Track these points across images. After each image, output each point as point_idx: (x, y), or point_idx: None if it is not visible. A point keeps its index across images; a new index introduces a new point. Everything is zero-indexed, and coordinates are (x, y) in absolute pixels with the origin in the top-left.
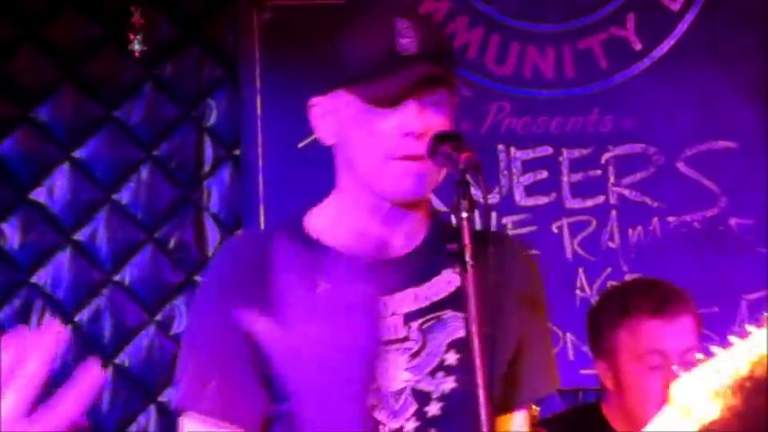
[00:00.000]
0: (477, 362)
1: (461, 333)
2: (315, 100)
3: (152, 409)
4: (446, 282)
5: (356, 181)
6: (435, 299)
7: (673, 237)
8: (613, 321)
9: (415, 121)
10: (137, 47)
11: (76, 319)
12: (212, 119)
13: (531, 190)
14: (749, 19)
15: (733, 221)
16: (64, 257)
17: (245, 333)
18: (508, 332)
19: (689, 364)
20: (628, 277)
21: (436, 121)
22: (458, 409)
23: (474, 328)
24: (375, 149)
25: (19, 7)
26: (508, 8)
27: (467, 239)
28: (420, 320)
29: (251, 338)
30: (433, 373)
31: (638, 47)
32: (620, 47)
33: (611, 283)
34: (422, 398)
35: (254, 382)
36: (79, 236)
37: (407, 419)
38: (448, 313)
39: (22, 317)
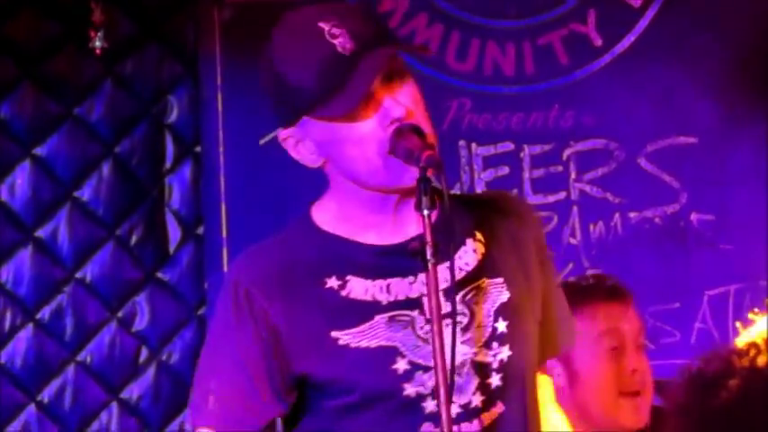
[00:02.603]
0: (438, 361)
1: (504, 298)
2: (283, 133)
3: (114, 405)
4: (472, 251)
5: (357, 185)
6: (468, 269)
7: (634, 233)
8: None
9: (394, 107)
10: (98, 44)
11: (38, 316)
12: (173, 116)
13: (492, 186)
14: (709, 16)
15: (694, 217)
16: (25, 255)
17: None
18: (536, 293)
19: (641, 347)
20: (589, 273)
21: (407, 92)
22: (517, 377)
23: (435, 327)
24: (369, 152)
25: None
26: (468, 4)
27: (428, 236)
28: (461, 293)
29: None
30: (488, 344)
31: (599, 43)
32: (581, 43)
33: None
34: (482, 370)
35: (272, 394)
36: (40, 233)
37: (473, 394)
38: (485, 281)
39: None
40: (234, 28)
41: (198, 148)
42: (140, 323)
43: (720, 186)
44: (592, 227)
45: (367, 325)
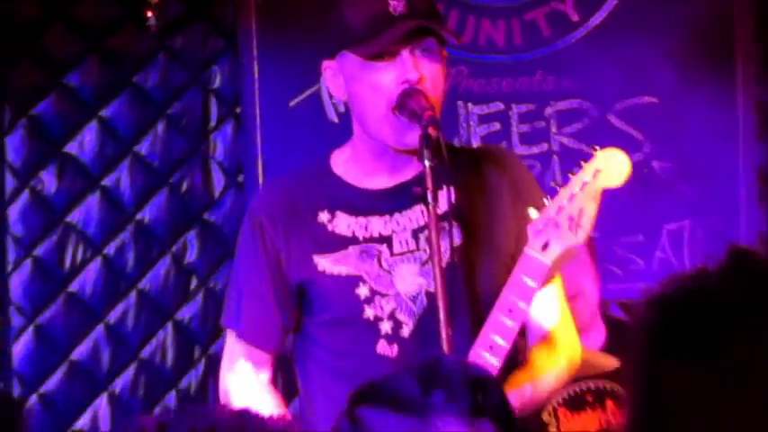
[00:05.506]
0: (439, 284)
1: (459, 240)
2: (326, 63)
3: (169, 326)
4: (448, 195)
5: (365, 131)
6: (441, 211)
7: None
8: None
9: (410, 69)
10: (152, 22)
11: (105, 251)
12: (216, 82)
13: (486, 139)
14: None
15: (655, 164)
16: (93, 200)
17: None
18: (508, 230)
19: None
20: None
21: (430, 67)
22: (463, 306)
23: (436, 259)
24: (378, 102)
25: None
26: None
27: (429, 184)
28: (425, 232)
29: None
30: (441, 277)
31: (576, 18)
32: (561, 18)
33: None
34: (434, 299)
35: (275, 305)
36: (106, 182)
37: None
38: (446, 225)
39: (59, 250)
40: (267, 8)
41: (238, 110)
42: (190, 257)
43: (678, 138)
44: (570, 174)
45: (341, 253)
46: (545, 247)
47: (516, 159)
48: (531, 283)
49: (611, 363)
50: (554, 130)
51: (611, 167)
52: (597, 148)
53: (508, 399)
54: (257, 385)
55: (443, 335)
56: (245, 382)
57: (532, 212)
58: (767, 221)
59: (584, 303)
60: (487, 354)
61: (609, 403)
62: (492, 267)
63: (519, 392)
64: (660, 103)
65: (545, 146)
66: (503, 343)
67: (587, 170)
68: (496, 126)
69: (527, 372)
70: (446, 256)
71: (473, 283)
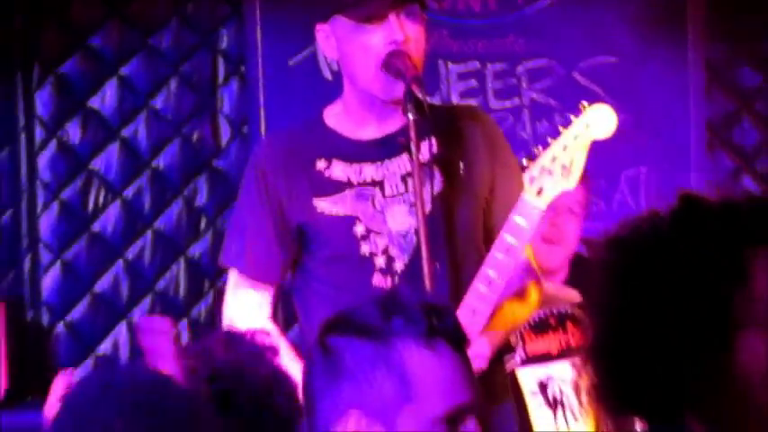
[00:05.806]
0: (422, 224)
1: (439, 185)
2: (319, 26)
3: (181, 261)
4: (430, 146)
5: (355, 86)
6: (424, 160)
7: None
8: None
9: (397, 31)
10: None
11: (124, 195)
12: (224, 44)
13: (463, 95)
14: None
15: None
16: (113, 149)
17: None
18: (483, 178)
19: (573, 213)
20: None
21: (413, 29)
22: (446, 243)
23: (419, 202)
24: (367, 61)
25: None
26: None
27: (413, 135)
28: (410, 178)
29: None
30: (427, 218)
31: None
32: None
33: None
34: (420, 237)
35: (276, 243)
36: (125, 133)
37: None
38: (427, 171)
39: (83, 194)
40: None
41: (243, 68)
42: (200, 200)
43: (635, 94)
44: (538, 124)
45: (338, 195)
46: (539, 192)
47: (489, 117)
48: (525, 224)
49: (573, 295)
50: (525, 86)
51: (599, 121)
52: (585, 104)
53: (459, 321)
54: (259, 315)
55: (425, 269)
56: (248, 312)
57: (525, 162)
58: (714, 168)
59: (564, 250)
60: (485, 287)
61: (569, 325)
62: (470, 209)
63: (511, 328)
64: (619, 62)
65: (516, 100)
66: (498, 278)
67: (578, 123)
68: (473, 83)
69: (527, 306)
70: (429, 200)
71: (453, 223)
